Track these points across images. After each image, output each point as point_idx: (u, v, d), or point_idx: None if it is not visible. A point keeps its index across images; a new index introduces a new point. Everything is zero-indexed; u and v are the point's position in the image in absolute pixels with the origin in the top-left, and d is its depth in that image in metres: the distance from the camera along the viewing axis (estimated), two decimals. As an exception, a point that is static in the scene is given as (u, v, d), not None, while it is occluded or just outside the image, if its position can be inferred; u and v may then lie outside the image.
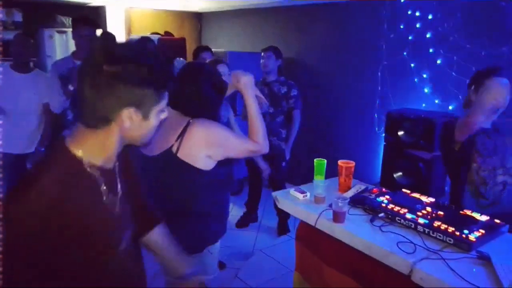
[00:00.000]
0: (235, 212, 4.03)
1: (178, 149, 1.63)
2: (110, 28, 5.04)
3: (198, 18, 6.06)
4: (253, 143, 1.76)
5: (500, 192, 1.95)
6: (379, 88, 3.83)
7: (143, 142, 1.07)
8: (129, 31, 5.37)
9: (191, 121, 1.66)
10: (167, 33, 5.74)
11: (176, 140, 1.63)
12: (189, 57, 5.29)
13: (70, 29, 4.98)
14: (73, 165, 0.96)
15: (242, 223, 3.90)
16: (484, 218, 1.70)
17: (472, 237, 1.53)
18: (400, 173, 3.19)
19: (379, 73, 3.80)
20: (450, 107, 3.29)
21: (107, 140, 0.99)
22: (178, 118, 1.70)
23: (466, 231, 1.56)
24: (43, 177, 0.91)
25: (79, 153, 0.97)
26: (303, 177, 2.29)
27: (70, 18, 5.02)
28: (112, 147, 1.01)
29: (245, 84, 1.79)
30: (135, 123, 0.99)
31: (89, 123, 0.97)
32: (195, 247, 1.77)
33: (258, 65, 3.63)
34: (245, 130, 3.54)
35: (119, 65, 0.91)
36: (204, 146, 1.64)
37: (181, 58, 4.80)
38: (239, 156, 1.84)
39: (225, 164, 1.86)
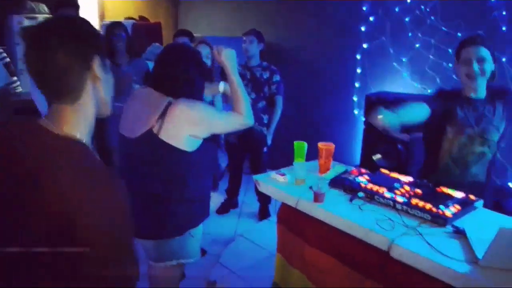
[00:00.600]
0: (215, 198, 4.01)
1: (159, 130, 1.62)
2: (82, 14, 4.88)
3: (174, 2, 5.93)
4: (238, 115, 1.78)
5: (474, 162, 1.99)
6: (359, 72, 3.85)
7: (109, 107, 1.06)
8: (102, 16, 5.23)
9: (172, 101, 1.65)
10: (142, 18, 5.62)
11: (157, 121, 1.62)
12: (166, 43, 5.20)
13: (41, 15, 4.82)
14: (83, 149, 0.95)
15: (222, 209, 3.89)
16: (459, 194, 1.75)
17: (448, 212, 1.56)
18: (379, 155, 3.22)
19: (359, 57, 3.82)
20: (429, 90, 3.33)
21: (88, 110, 0.98)
22: (158, 98, 1.69)
23: (442, 207, 1.59)
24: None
25: (78, 136, 0.95)
26: (284, 162, 2.29)
27: (40, 4, 4.86)
28: (92, 118, 1.00)
29: (226, 56, 1.80)
30: (103, 76, 0.98)
31: (67, 96, 0.94)
32: (176, 230, 1.77)
33: (239, 50, 3.58)
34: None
35: (69, 23, 0.94)
36: (187, 125, 1.63)
37: (157, 43, 4.71)
38: (226, 131, 1.93)
39: (209, 148, 1.86)
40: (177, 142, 1.63)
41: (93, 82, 0.97)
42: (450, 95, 2.07)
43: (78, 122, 0.95)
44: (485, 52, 1.91)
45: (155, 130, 1.61)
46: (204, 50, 2.88)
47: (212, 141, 1.85)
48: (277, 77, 3.56)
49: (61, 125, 0.93)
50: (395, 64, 3.55)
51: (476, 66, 1.90)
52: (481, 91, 1.98)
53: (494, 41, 2.94)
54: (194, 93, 1.76)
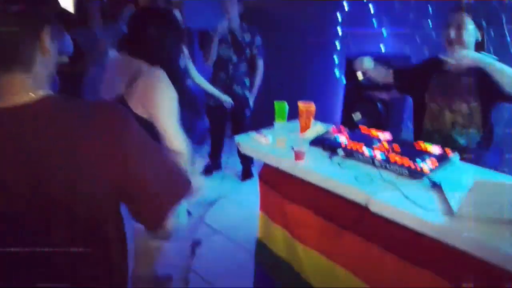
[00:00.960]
0: (198, 162, 4.02)
1: (127, 95, 1.60)
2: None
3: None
4: (176, 138, 1.63)
5: (449, 131, 2.04)
6: (340, 33, 3.81)
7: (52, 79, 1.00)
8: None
9: (144, 69, 1.61)
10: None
11: (127, 87, 1.60)
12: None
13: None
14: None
15: (206, 172, 3.92)
16: (436, 150, 1.79)
17: (425, 167, 1.60)
18: (359, 115, 3.26)
19: (339, 18, 3.77)
20: (408, 49, 3.34)
21: (42, 80, 0.92)
22: (132, 64, 1.65)
23: (419, 162, 1.62)
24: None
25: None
26: (268, 123, 2.29)
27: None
28: (48, 88, 0.95)
29: None
30: (52, 49, 0.92)
31: (19, 66, 0.88)
32: None
33: (216, 12, 3.49)
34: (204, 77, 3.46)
35: None
36: (141, 100, 1.58)
37: (133, 6, 4.54)
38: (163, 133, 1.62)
39: (187, 116, 1.84)
40: (138, 111, 1.59)
41: (42, 53, 0.90)
42: (436, 62, 2.09)
43: (36, 88, 0.90)
44: (466, 19, 1.89)
45: (125, 96, 1.60)
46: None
47: (190, 108, 1.82)
48: (258, 40, 3.52)
49: (19, 94, 0.87)
50: (375, 23, 3.52)
51: (452, 33, 1.91)
52: (463, 60, 1.95)
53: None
54: (169, 58, 1.72)
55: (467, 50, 1.92)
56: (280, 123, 2.23)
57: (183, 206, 1.93)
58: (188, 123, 1.98)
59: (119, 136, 0.88)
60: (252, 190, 3.40)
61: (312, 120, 2.14)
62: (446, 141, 2.02)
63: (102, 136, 0.86)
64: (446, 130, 2.05)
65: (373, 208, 1.49)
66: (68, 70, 2.60)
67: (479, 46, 1.96)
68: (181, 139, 1.66)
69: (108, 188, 0.89)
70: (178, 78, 1.79)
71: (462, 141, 2.04)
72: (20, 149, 0.84)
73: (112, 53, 2.90)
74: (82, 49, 2.96)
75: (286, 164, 1.81)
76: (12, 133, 0.85)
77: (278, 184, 1.94)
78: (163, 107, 1.59)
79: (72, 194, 0.85)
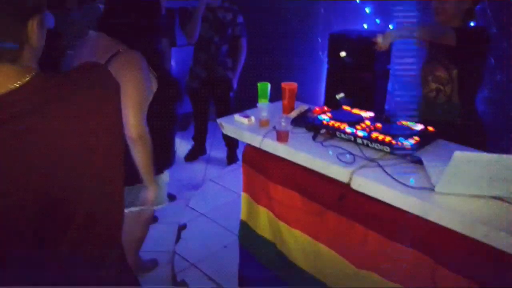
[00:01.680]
0: (183, 146, 3.99)
1: None
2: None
3: None
4: (134, 126, 1.57)
5: (433, 99, 2.05)
6: (322, 11, 3.77)
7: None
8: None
9: (121, 50, 1.56)
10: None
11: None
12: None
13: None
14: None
15: (191, 156, 3.89)
16: (419, 127, 1.79)
17: (407, 144, 1.60)
18: (342, 94, 3.24)
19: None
20: (391, 26, 3.31)
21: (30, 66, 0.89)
22: (109, 43, 1.60)
23: (401, 140, 1.62)
24: None
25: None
26: (252, 105, 2.26)
27: None
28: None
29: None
30: (40, 39, 0.89)
31: (12, 55, 0.84)
32: (134, 178, 1.74)
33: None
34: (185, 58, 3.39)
35: None
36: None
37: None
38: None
39: (165, 101, 1.80)
40: None
41: (30, 43, 0.87)
42: None
43: (23, 75, 0.86)
44: None
45: None
46: None
47: (170, 91, 1.78)
48: (240, 19, 3.45)
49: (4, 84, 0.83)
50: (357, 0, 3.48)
51: (436, 3, 1.93)
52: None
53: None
54: (147, 41, 1.69)
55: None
56: (263, 104, 2.20)
57: (161, 189, 1.91)
58: (169, 108, 1.95)
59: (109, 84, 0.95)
60: (237, 173, 3.39)
61: (296, 102, 2.12)
62: (431, 112, 2.04)
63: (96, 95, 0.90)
64: (432, 98, 2.06)
65: (355, 185, 1.49)
66: (45, 55, 2.52)
67: (469, 15, 1.98)
68: (141, 128, 1.61)
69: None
70: (156, 61, 1.75)
71: (444, 112, 2.06)
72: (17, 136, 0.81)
73: (92, 33, 2.83)
74: (60, 32, 2.87)
75: (269, 145, 1.79)
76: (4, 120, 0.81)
77: (261, 165, 1.93)
78: (126, 93, 1.49)
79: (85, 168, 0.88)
